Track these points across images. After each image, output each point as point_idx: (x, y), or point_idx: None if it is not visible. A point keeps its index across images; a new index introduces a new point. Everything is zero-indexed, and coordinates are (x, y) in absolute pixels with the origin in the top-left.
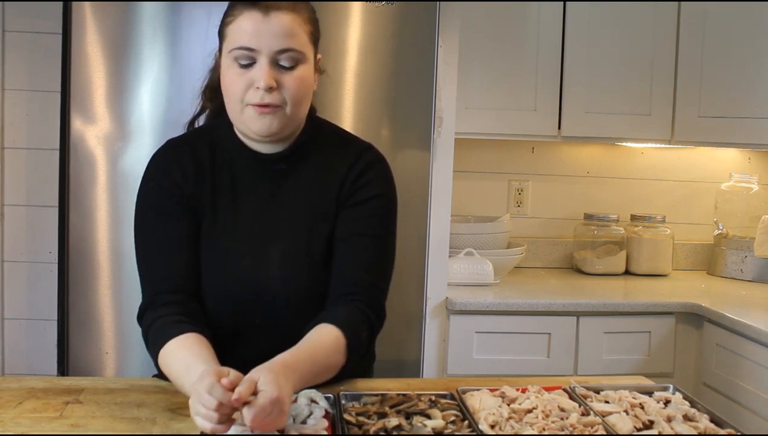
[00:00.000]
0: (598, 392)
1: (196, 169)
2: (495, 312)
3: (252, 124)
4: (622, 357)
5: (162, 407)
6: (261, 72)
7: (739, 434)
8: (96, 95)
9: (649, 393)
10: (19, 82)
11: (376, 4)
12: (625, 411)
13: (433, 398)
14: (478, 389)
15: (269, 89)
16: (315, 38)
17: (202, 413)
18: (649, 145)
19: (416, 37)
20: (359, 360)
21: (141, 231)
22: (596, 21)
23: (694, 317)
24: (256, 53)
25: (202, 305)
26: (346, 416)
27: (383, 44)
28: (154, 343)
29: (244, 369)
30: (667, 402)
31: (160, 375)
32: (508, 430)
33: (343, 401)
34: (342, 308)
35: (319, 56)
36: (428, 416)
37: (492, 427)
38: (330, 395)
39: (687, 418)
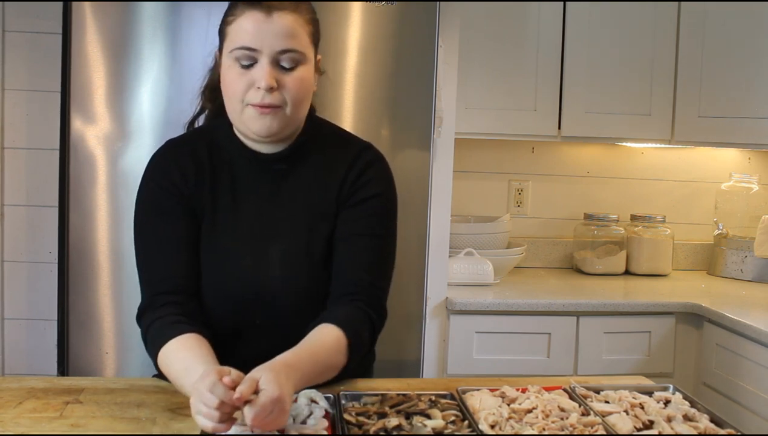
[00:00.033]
0: (598, 392)
1: (195, 169)
2: (495, 312)
3: (252, 125)
4: (622, 357)
5: (162, 407)
6: (262, 72)
7: (739, 434)
8: (96, 95)
9: (649, 393)
10: (19, 82)
11: (376, 4)
12: (625, 411)
13: (433, 398)
14: (478, 389)
15: (270, 90)
16: (316, 39)
17: (204, 412)
18: (649, 145)
19: (416, 37)
20: (360, 360)
21: (140, 232)
22: (596, 21)
23: (694, 317)
24: (258, 53)
25: (201, 305)
26: (346, 416)
27: (383, 44)
28: (153, 344)
29: (245, 369)
30: (667, 402)
31: (160, 375)
32: (508, 430)
33: (343, 401)
34: (343, 307)
35: (318, 57)
36: (428, 416)
37: (492, 427)
38: (330, 395)
39: (687, 418)
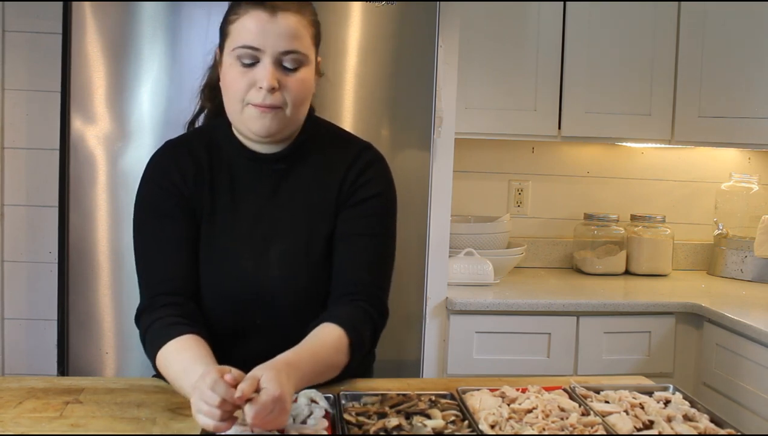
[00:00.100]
0: (598, 392)
1: (194, 170)
2: (495, 312)
3: (251, 124)
4: (622, 357)
5: (162, 407)
6: (264, 72)
7: (739, 434)
8: (96, 95)
9: (649, 393)
10: (19, 82)
11: (376, 4)
12: (625, 411)
13: (433, 398)
14: (478, 389)
15: (271, 90)
16: (317, 41)
17: (205, 410)
18: (649, 145)
19: (416, 37)
20: (361, 360)
21: (139, 232)
22: (596, 21)
23: (694, 317)
24: (260, 53)
25: (201, 305)
26: (346, 416)
27: (383, 44)
28: (151, 345)
29: (245, 369)
30: (667, 402)
31: (159, 376)
32: (508, 430)
33: (343, 401)
34: (344, 307)
35: (319, 59)
36: (428, 416)
37: (492, 427)
38: (330, 395)
39: (687, 418)
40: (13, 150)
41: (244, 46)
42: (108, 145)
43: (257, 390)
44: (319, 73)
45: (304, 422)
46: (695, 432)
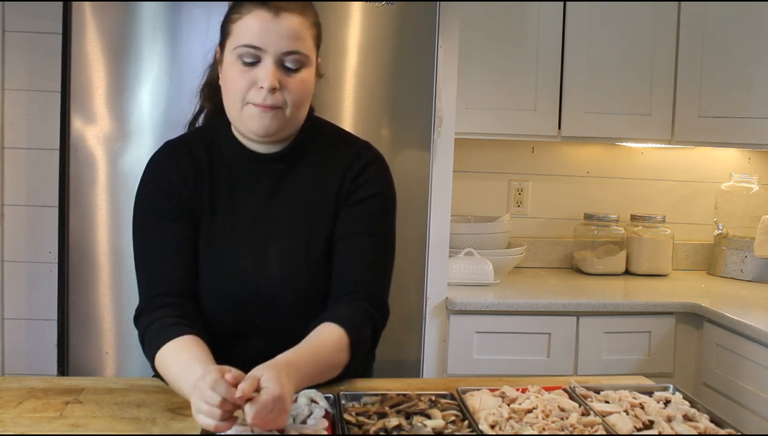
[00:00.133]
0: (598, 392)
1: (194, 170)
2: (495, 312)
3: (251, 123)
4: (622, 357)
5: (162, 407)
6: (266, 72)
7: (739, 434)
8: (96, 95)
9: (649, 393)
10: (19, 82)
11: (376, 4)
12: (625, 411)
13: (433, 398)
14: (478, 389)
15: (272, 90)
16: (318, 42)
17: (205, 410)
18: (649, 145)
19: (416, 37)
20: (362, 360)
21: (139, 233)
22: (596, 21)
23: (694, 317)
24: (262, 52)
25: (200, 306)
26: (346, 416)
27: (383, 44)
28: (150, 346)
29: (245, 369)
30: (667, 402)
31: (159, 376)
32: (508, 430)
33: (343, 401)
34: (344, 306)
35: (319, 60)
36: (428, 416)
37: (492, 427)
38: (330, 395)
39: (687, 418)
40: (13, 150)
41: (246, 45)
42: (108, 145)
43: (257, 390)
44: (319, 74)
45: (304, 422)
46: (695, 432)
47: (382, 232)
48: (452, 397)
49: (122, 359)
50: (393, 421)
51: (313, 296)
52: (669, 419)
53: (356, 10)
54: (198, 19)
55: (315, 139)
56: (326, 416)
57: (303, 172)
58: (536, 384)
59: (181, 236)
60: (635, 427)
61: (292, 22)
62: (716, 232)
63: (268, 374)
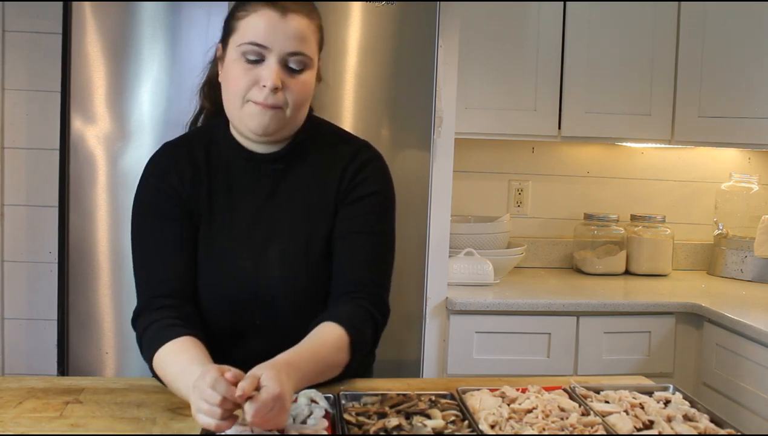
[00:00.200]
0: (598, 392)
1: (192, 171)
2: (495, 312)
3: (250, 122)
4: (622, 357)
5: (162, 407)
6: (270, 71)
7: (739, 434)
8: (96, 95)
9: (649, 393)
10: (19, 82)
11: (376, 4)
12: (625, 411)
13: (433, 398)
14: (478, 389)
15: (275, 89)
16: (321, 46)
17: (205, 409)
18: (649, 145)
19: (416, 37)
20: (362, 360)
21: (137, 234)
22: (596, 21)
23: (694, 317)
24: (267, 51)
25: (199, 306)
26: (346, 416)
27: (383, 44)
28: (148, 347)
29: (245, 370)
30: (667, 402)
31: (157, 378)
32: (508, 430)
33: (343, 401)
34: (344, 306)
35: (319, 64)
36: (428, 416)
37: (492, 427)
38: (330, 395)
39: (687, 418)
40: (13, 150)
41: (251, 43)
42: (108, 145)
43: (257, 388)
44: (319, 78)
45: (304, 422)
46: (695, 432)
47: (382, 230)
48: (452, 397)
49: (122, 359)
50: (393, 421)
51: (312, 296)
52: (669, 419)
53: (356, 10)
54: (198, 19)
55: (314, 139)
56: (326, 416)
57: (302, 173)
58: (536, 384)
59: (179, 237)
60: (635, 427)
61: (298, 23)
62: (716, 232)
63: (268, 373)
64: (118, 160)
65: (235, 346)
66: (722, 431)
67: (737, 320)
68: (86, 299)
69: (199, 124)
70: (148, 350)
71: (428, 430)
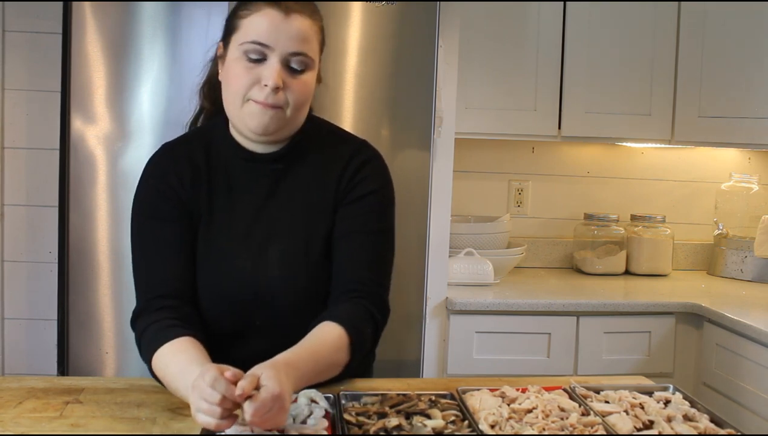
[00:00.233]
0: (598, 392)
1: (192, 172)
2: (495, 312)
3: (250, 121)
4: (622, 357)
5: (162, 407)
6: (271, 71)
7: (739, 434)
8: (96, 95)
9: (649, 393)
10: (19, 82)
11: (376, 4)
12: (625, 411)
13: (433, 398)
14: (478, 389)
15: (276, 89)
16: (322, 47)
17: (205, 408)
18: (649, 145)
19: (416, 37)
20: (362, 360)
21: (137, 234)
22: (596, 21)
23: (694, 317)
24: (269, 51)
25: (199, 307)
26: (346, 416)
27: (383, 44)
28: (147, 347)
29: (244, 370)
30: (667, 402)
31: (156, 378)
32: (508, 430)
33: (343, 401)
34: (344, 305)
35: (320, 65)
36: (428, 416)
37: (492, 427)
38: (330, 395)
39: (687, 418)
40: (13, 150)
41: (254, 42)
42: (108, 145)
43: (257, 388)
44: (319, 79)
45: (304, 422)
46: (695, 432)
47: (381, 229)
48: (452, 397)
49: (122, 359)
50: (393, 421)
51: (312, 296)
52: (669, 419)
53: (356, 10)
54: (198, 19)
55: (313, 139)
56: (326, 416)
57: (301, 172)
58: (536, 384)
59: (179, 238)
60: (635, 427)
61: (301, 24)
62: (716, 232)
63: (268, 373)
64: (118, 160)
65: (234, 346)
66: (722, 431)
67: (737, 320)
68: (86, 299)
69: (199, 124)
70: (147, 351)
71: (428, 430)
